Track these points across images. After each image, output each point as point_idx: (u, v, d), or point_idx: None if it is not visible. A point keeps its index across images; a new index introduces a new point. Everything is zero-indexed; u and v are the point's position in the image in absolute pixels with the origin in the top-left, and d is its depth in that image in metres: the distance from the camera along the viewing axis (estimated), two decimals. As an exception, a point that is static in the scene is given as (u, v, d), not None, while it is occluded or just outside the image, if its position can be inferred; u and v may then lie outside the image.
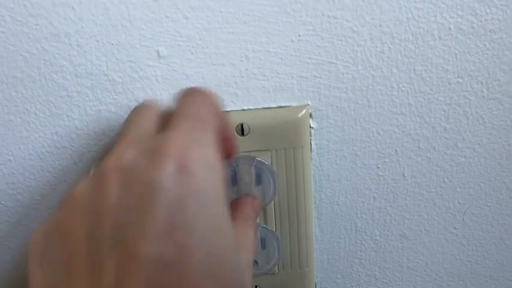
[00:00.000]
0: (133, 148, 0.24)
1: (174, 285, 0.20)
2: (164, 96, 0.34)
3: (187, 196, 0.21)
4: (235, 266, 0.23)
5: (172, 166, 0.22)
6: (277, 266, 0.39)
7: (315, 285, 0.43)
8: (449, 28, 0.34)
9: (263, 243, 0.38)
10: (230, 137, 0.29)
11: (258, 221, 0.38)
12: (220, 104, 0.28)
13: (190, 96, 0.27)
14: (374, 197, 0.39)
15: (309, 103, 0.35)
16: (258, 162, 0.35)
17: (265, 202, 0.36)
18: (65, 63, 0.33)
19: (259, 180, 0.35)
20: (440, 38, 0.34)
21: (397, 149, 0.37)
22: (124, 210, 0.21)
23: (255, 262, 0.38)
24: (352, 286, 0.43)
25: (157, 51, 0.33)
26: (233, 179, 0.35)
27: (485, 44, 0.34)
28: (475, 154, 0.38)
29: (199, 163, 0.22)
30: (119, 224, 0.21)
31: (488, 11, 0.33)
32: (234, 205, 0.33)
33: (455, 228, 0.41)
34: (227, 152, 0.29)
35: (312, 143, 0.37)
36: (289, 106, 0.35)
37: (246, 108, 0.35)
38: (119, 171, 0.23)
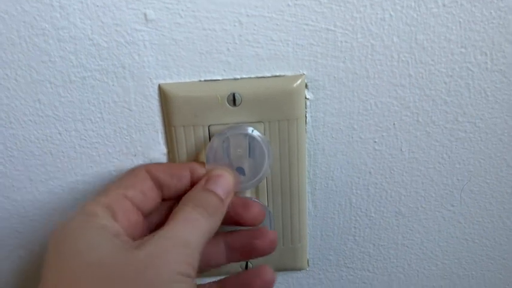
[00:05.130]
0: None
1: None
2: (152, 62, 0.33)
3: None
4: None
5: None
6: (269, 242, 0.38)
7: (307, 262, 0.42)
8: (454, -5, 0.32)
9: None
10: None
11: (249, 195, 0.37)
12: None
13: None
14: (370, 172, 0.38)
15: (304, 73, 0.34)
16: (251, 134, 0.33)
17: (258, 177, 0.34)
18: (46, 25, 0.31)
19: (252, 153, 0.34)
20: (444, 5, 0.32)
21: (395, 123, 0.36)
22: None
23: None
24: (346, 263, 0.42)
25: (145, 14, 0.31)
26: (226, 151, 0.34)
27: (491, 13, 0.32)
28: (476, 129, 0.37)
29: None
30: None
31: (495, -23, 0.31)
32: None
33: (453, 206, 0.40)
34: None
35: (307, 115, 0.35)
36: (283, 75, 0.34)
37: (238, 77, 0.34)
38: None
